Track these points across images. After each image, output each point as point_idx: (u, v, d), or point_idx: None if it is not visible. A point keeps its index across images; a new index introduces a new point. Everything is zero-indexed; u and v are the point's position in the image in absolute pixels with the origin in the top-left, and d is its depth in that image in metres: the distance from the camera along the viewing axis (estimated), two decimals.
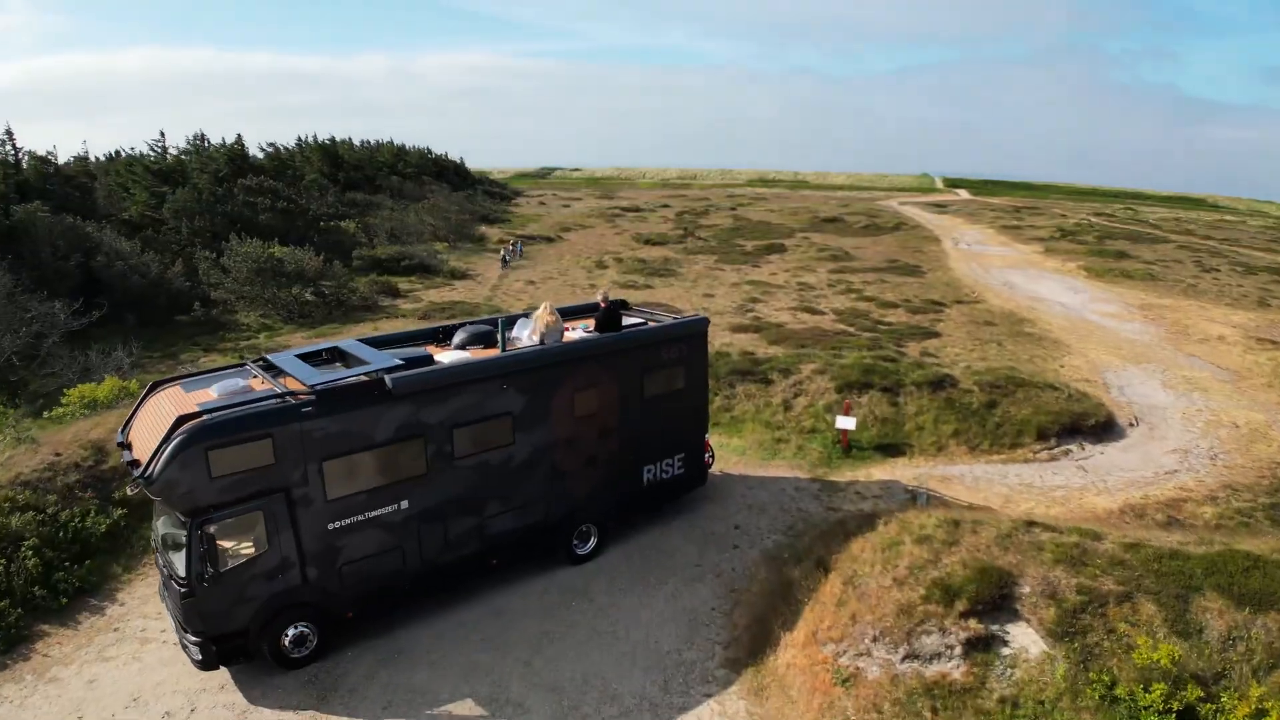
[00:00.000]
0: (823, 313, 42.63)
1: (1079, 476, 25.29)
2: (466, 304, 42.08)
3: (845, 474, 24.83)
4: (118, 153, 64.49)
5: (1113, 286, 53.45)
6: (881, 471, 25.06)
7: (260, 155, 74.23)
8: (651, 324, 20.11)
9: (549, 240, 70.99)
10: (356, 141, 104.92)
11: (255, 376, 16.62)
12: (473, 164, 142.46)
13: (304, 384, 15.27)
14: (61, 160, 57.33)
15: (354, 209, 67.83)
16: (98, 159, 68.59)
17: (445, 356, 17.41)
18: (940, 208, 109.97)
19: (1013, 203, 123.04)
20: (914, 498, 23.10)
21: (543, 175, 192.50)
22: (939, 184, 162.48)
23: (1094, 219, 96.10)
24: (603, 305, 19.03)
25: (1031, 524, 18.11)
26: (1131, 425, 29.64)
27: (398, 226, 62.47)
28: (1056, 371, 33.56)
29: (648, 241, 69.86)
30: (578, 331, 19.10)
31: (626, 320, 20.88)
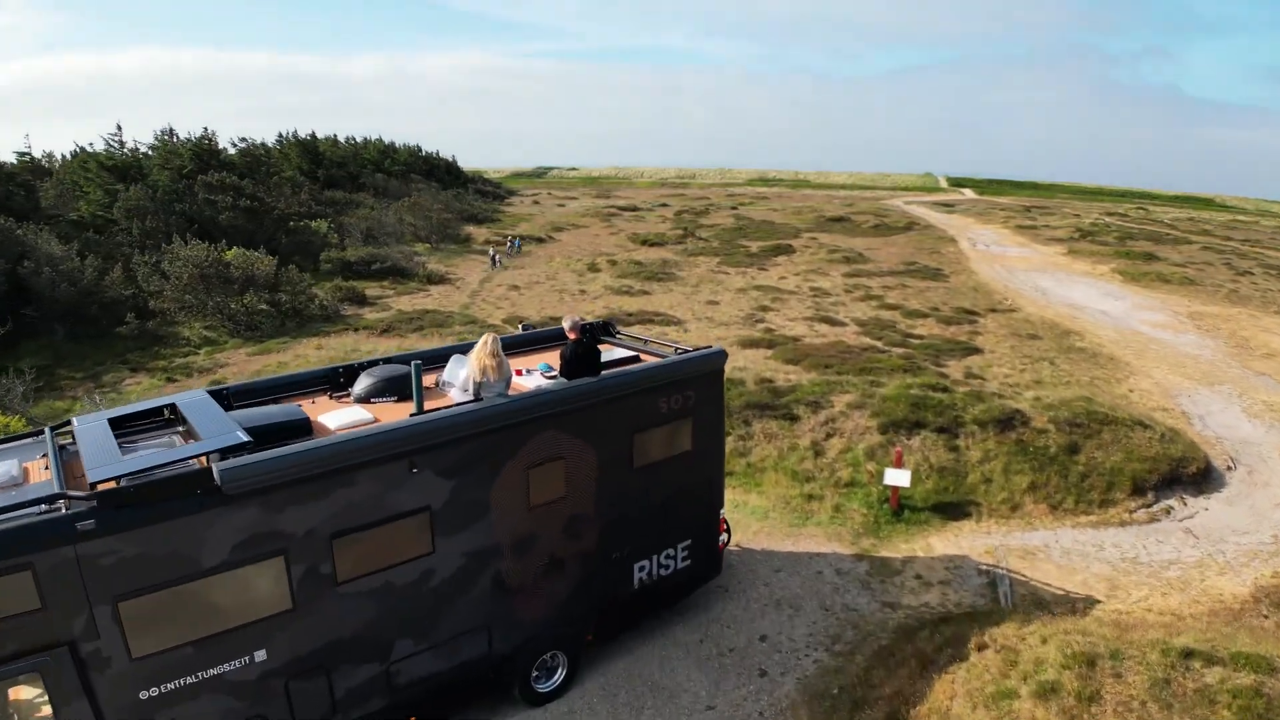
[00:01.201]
0: (843, 324, 37.92)
1: (1190, 545, 19.53)
2: (439, 313, 37.71)
3: (899, 546, 18.56)
4: (81, 149, 58.01)
5: (1152, 292, 48.50)
6: (944, 542, 18.83)
7: (232, 150, 67.81)
8: (645, 359, 14.14)
9: (539, 240, 68.23)
10: (342, 138, 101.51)
11: (42, 456, 10.08)
12: (469, 164, 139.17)
13: (90, 477, 9.67)
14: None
15: (330, 208, 63.16)
16: (64, 156, 62.57)
17: (334, 417, 10.86)
18: (948, 207, 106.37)
19: (1020, 202, 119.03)
20: (993, 584, 16.64)
21: (539, 175, 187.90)
22: (943, 183, 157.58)
23: (1108, 219, 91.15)
24: (571, 337, 12.47)
25: (1188, 654, 11.89)
26: (1229, 469, 24.16)
27: (375, 226, 58.81)
28: (1127, 398, 27.48)
29: (645, 242, 66.53)
30: (534, 376, 12.53)
31: (609, 354, 14.40)
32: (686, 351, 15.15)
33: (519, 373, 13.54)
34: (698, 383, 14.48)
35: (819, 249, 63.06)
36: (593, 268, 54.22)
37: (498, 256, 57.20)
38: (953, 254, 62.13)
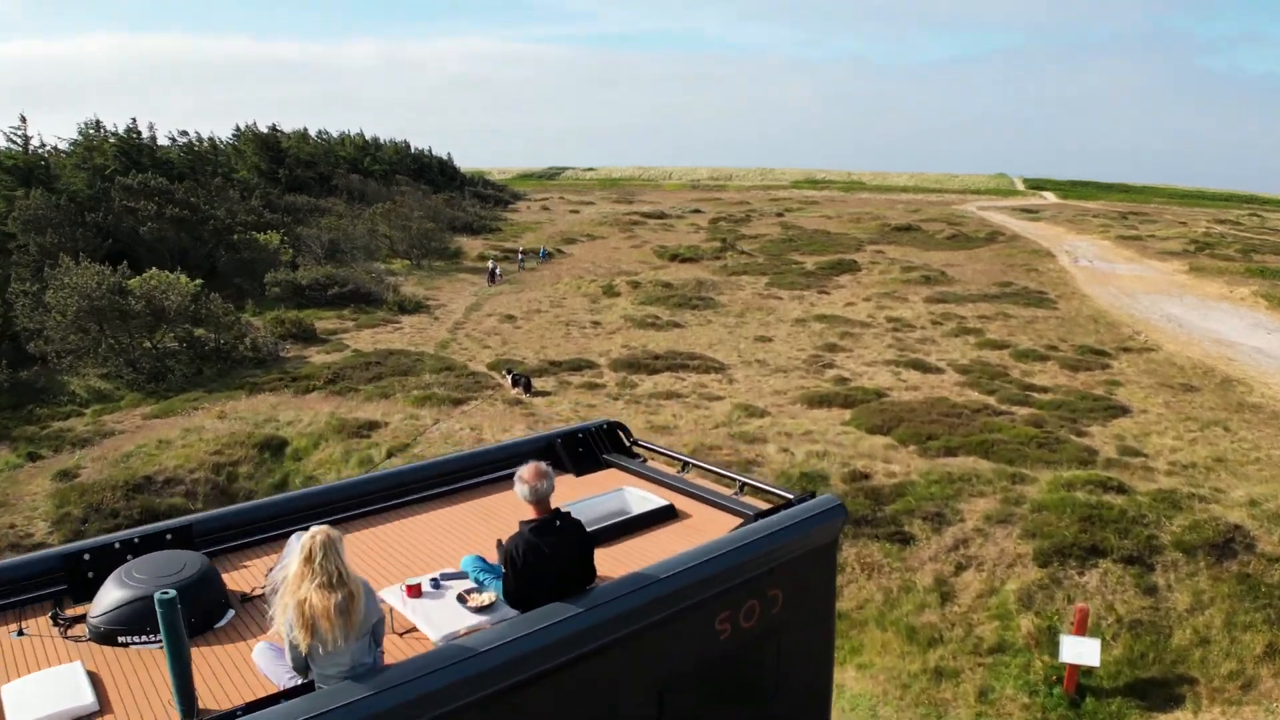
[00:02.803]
0: (939, 369, 34.16)
1: None
2: (406, 355, 34.60)
3: None
4: None
5: None
6: None
7: (171, 145, 63.70)
8: (683, 504, 9.40)
9: (547, 255, 65.50)
10: (313, 131, 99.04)
11: None
12: (470, 163, 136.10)
13: None
14: None
15: (288, 216, 60.16)
16: None
17: (23, 694, 4.80)
18: (1031, 213, 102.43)
19: (1112, 207, 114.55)
20: None
21: (550, 176, 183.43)
22: (1019, 185, 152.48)
23: (1219, 227, 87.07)
24: (532, 514, 6.13)
25: None
26: None
27: (340, 239, 56.15)
28: None
29: (674, 257, 64.23)
30: (449, 593, 6.23)
31: (617, 502, 8.35)
32: (767, 490, 9.01)
33: (414, 592, 7.36)
34: (792, 572, 8.28)
35: (889, 265, 59.98)
36: (610, 290, 50.77)
37: (498, 270, 55.51)
38: (1053, 272, 58.40)
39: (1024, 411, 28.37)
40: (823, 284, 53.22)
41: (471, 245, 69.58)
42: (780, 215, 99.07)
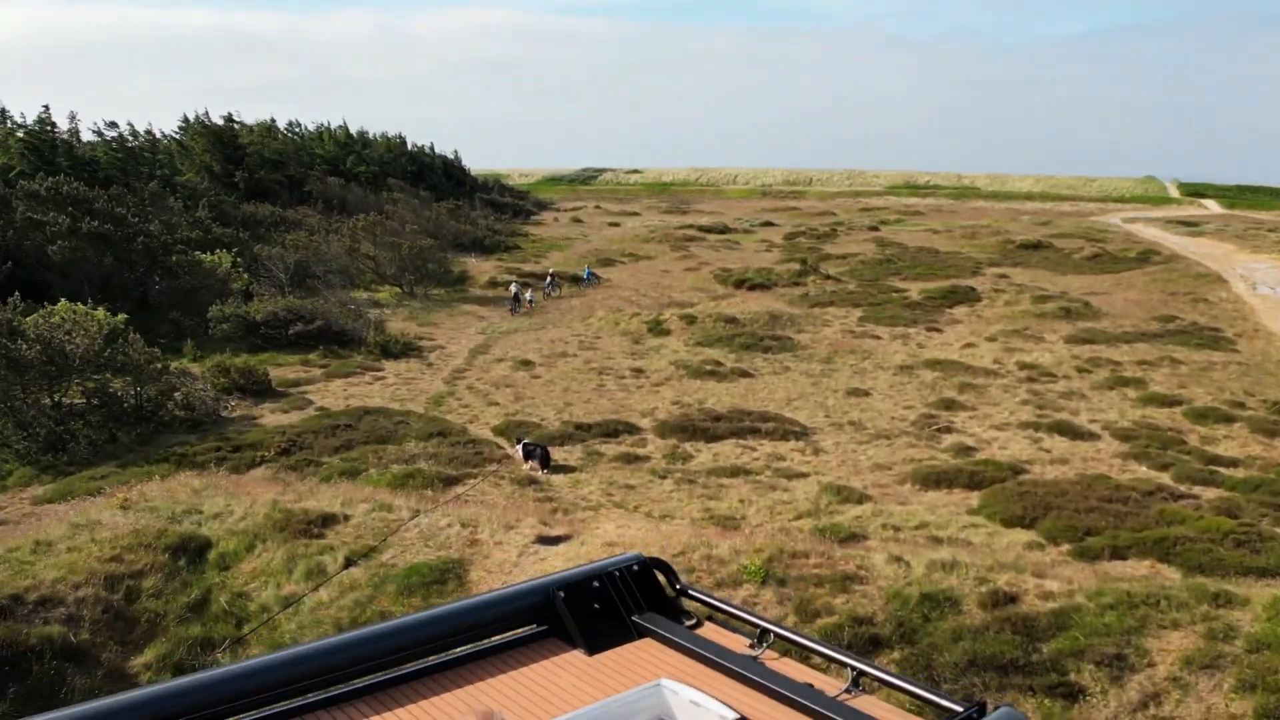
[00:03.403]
0: (1092, 435, 33.21)
1: None
2: (387, 415, 34.26)
3: None
4: None
5: None
6: None
7: (97, 141, 64.65)
8: None
9: (577, 280, 65.97)
10: (283, 123, 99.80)
11: None
12: (485, 163, 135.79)
13: None
14: None
15: (246, 230, 60.00)
16: None
17: None
18: (1190, 226, 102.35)
19: None
20: None
21: (585, 180, 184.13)
22: (1173, 191, 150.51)
23: None
24: None
25: None
26: None
27: (311, 259, 56.19)
28: None
29: (741, 283, 64.13)
30: None
31: (669, 707, 6.22)
32: (900, 687, 6.80)
33: None
34: None
35: (1016, 294, 59.29)
36: (657, 327, 50.15)
37: (528, 296, 57.27)
38: (1226, 302, 57.82)
39: (1211, 494, 27.24)
40: (932, 318, 52.63)
41: (480, 268, 69.41)
42: (875, 229, 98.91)
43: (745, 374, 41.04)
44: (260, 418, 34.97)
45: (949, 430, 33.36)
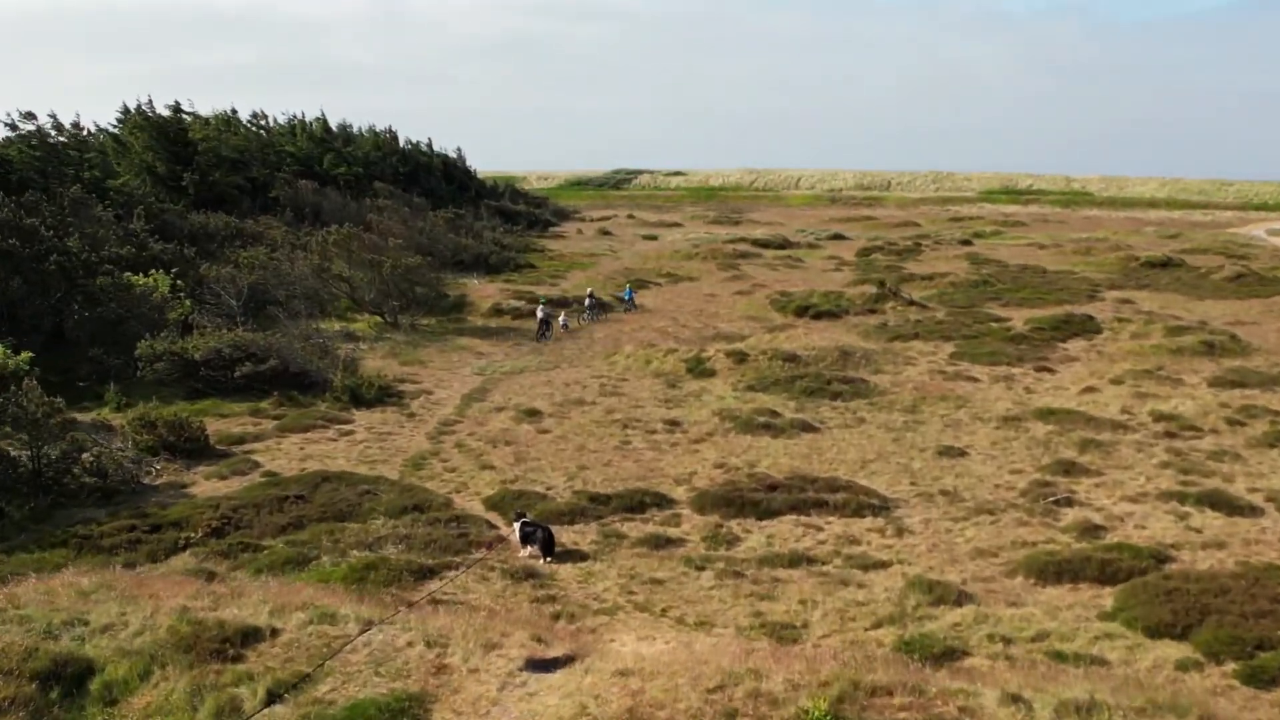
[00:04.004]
0: (1254, 509, 32.79)
1: None
2: (352, 481, 33.68)
3: None
4: None
5: None
6: None
7: (11, 138, 66.74)
8: None
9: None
10: (246, 114, 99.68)
11: None
12: (496, 165, 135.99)
13: None
14: None
15: (192, 246, 59.35)
16: None
17: None
18: None
19: None
20: None
21: (616, 183, 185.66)
22: None
23: None
24: None
25: None
26: None
27: (269, 282, 54.97)
28: None
29: (803, 310, 63.64)
30: None
31: None
32: None
33: None
34: None
35: (1144, 324, 58.80)
36: (698, 366, 49.37)
37: (562, 320, 58.67)
38: None
39: None
40: (1042, 355, 52.12)
41: (483, 292, 69.33)
42: (967, 243, 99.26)
43: (808, 427, 40.14)
44: (191, 486, 34.39)
45: (1069, 503, 32.39)
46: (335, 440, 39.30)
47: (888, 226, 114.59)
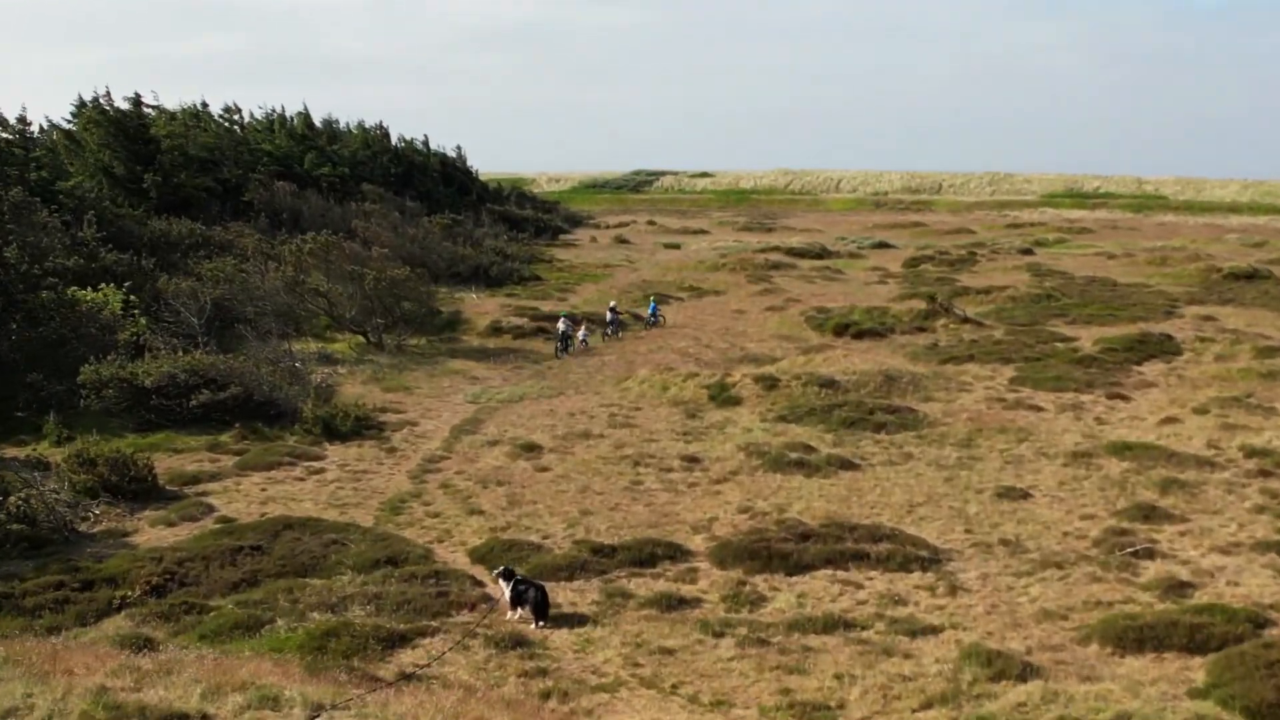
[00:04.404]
0: None
1: None
2: (319, 528, 33.19)
3: None
4: None
5: None
6: None
7: None
8: None
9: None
10: (218, 108, 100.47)
11: None
12: (501, 166, 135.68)
13: None
14: None
15: (152, 257, 59.24)
16: None
17: None
18: None
19: None
20: None
21: (635, 186, 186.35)
22: None
23: None
24: None
25: None
26: None
27: (237, 297, 54.89)
28: None
29: (843, 329, 63.45)
30: None
31: None
32: None
33: None
34: None
35: (1230, 344, 58.84)
36: (722, 393, 49.57)
37: (582, 335, 59.30)
38: None
39: None
40: (1115, 380, 51.97)
41: (481, 308, 69.28)
42: (1028, 252, 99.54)
43: (848, 465, 39.42)
44: (133, 534, 33.74)
45: (1150, 554, 31.41)
46: (303, 480, 38.82)
47: (939, 234, 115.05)
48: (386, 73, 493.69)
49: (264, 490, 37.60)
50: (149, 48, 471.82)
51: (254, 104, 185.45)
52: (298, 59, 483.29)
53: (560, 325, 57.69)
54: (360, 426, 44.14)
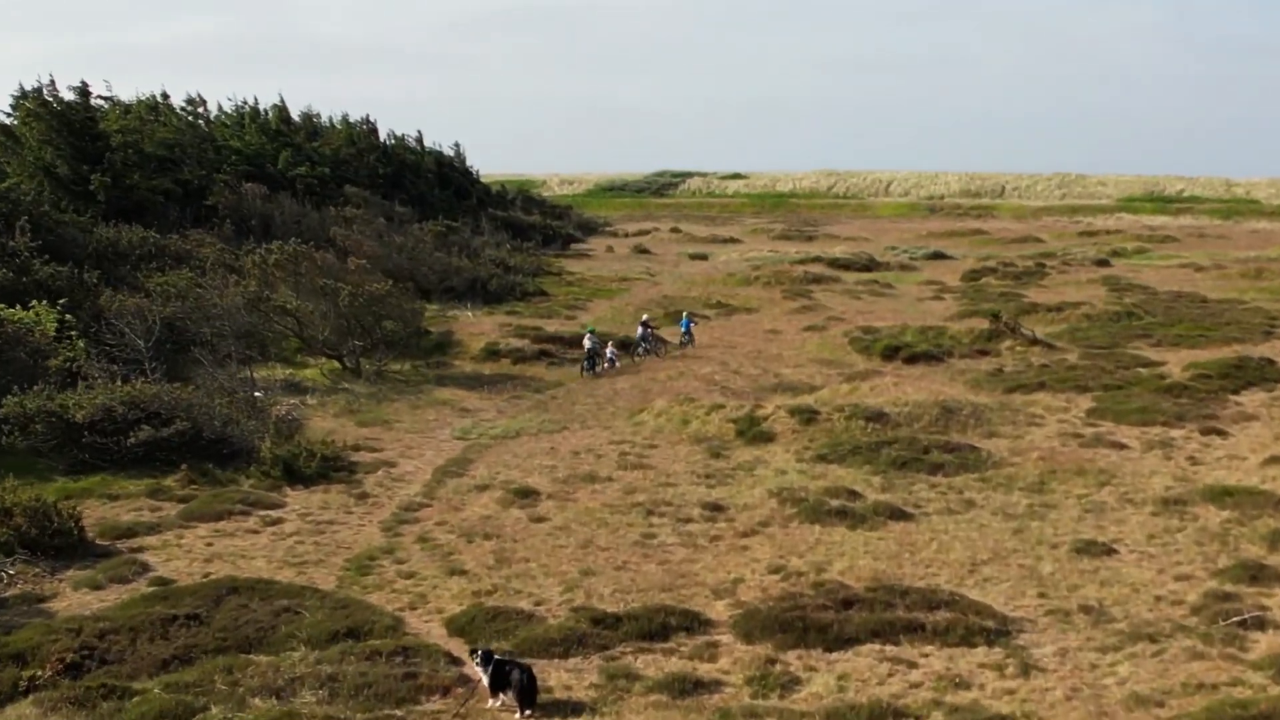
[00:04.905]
0: None
1: None
2: (270, 592, 32.18)
3: None
4: None
5: None
6: None
7: None
8: None
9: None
10: (180, 99, 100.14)
11: None
12: (512, 167, 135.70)
13: None
14: None
15: (96, 269, 59.26)
16: None
17: None
18: None
19: None
20: None
21: (658, 189, 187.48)
22: None
23: None
24: None
25: None
26: None
27: (191, 316, 54.53)
28: None
29: (892, 352, 63.43)
30: None
31: None
32: None
33: None
34: None
35: None
36: (753, 428, 49.12)
37: (612, 354, 60.19)
38: None
39: None
40: (1209, 411, 51.38)
41: (476, 328, 69.26)
42: (1104, 263, 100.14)
43: (899, 514, 38.34)
44: (52, 598, 32.85)
45: (1260, 624, 29.89)
46: (256, 532, 37.69)
47: (1002, 243, 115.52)
48: (378, 60, 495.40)
49: (210, 545, 36.46)
50: (114, 35, 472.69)
51: (228, 96, 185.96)
52: (279, 44, 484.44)
53: (586, 342, 57.70)
54: (328, 468, 43.37)
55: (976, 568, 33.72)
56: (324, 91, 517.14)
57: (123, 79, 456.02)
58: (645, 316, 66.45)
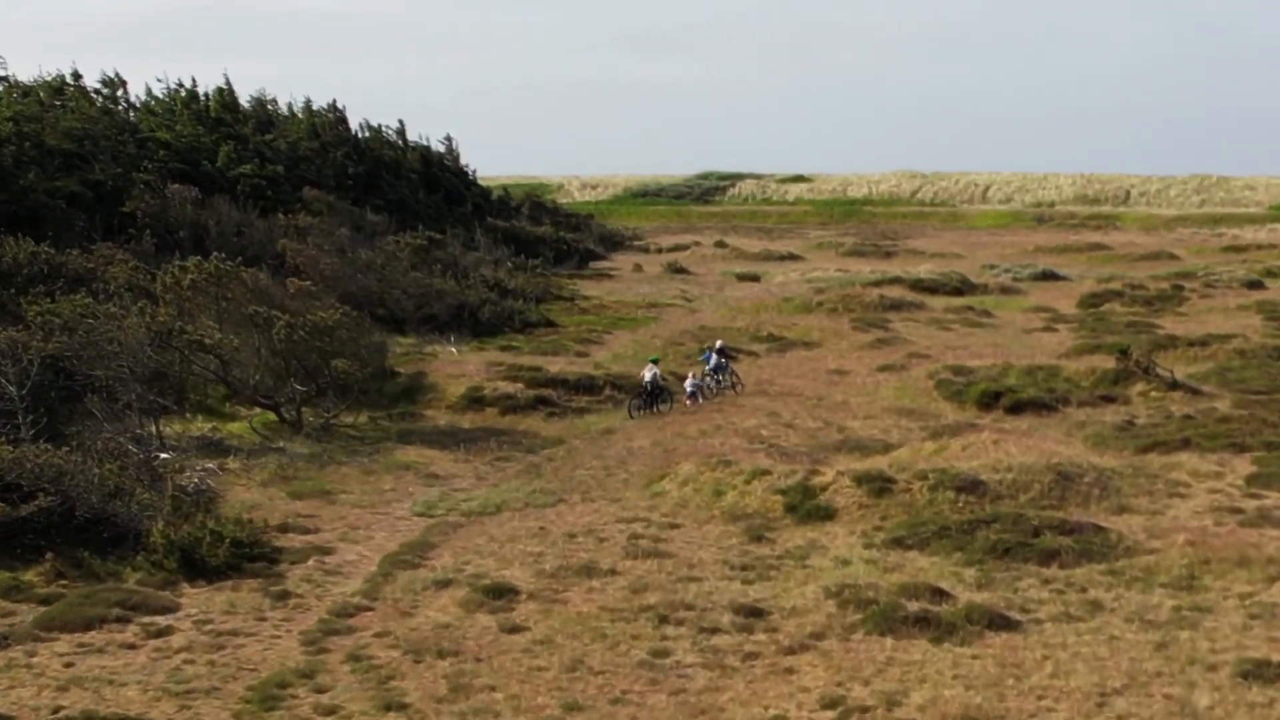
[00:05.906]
0: None
1: None
2: None
3: None
4: None
5: None
6: None
7: None
8: None
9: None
10: (94, 79, 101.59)
11: None
12: (519, 169, 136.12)
13: None
14: None
15: None
16: None
17: None
18: None
19: None
20: None
21: (701, 195, 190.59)
22: None
23: None
24: None
25: None
26: None
27: (80, 354, 53.67)
28: None
29: (990, 400, 62.64)
30: None
31: None
32: None
33: None
34: None
35: None
36: (805, 503, 47.48)
37: (692, 386, 62.24)
38: None
39: None
40: None
41: (457, 369, 68.31)
42: (1257, 285, 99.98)
43: (1000, 622, 35.23)
44: None
45: None
46: (134, 647, 34.65)
47: (1128, 260, 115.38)
48: (367, 37, 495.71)
49: (69, 666, 33.47)
50: (50, 7, 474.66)
51: (157, 76, 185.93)
52: (230, 12, 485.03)
53: (646, 374, 57.62)
54: (241, 556, 41.06)
55: (1107, 699, 30.31)
56: (286, 73, 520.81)
57: (22, 56, 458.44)
58: (720, 341, 66.17)
